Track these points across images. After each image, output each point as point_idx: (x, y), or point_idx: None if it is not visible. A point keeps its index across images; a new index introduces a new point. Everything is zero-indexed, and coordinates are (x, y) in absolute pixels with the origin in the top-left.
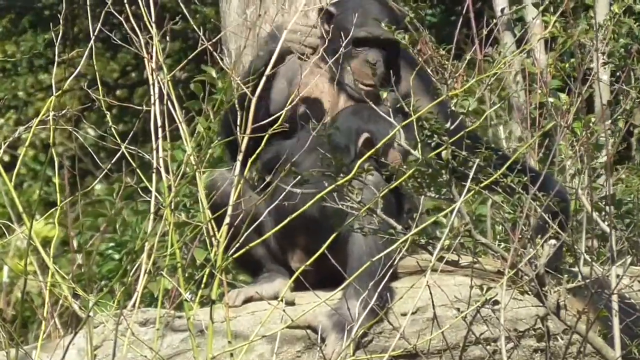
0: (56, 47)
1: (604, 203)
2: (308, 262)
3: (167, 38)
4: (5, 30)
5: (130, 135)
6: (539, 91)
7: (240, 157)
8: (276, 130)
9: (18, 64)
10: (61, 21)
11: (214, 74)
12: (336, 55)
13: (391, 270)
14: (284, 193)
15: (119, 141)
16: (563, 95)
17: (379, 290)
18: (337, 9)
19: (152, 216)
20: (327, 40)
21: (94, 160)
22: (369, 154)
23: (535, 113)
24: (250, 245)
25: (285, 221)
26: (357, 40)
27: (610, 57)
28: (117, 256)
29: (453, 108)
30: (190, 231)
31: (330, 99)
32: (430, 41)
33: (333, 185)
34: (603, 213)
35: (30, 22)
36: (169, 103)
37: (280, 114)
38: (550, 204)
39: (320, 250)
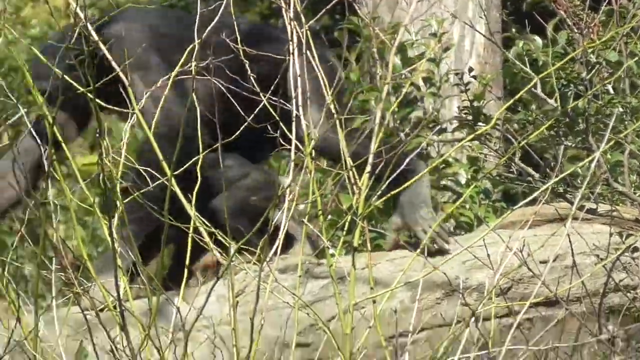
0: None
1: None
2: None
3: None
4: None
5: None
6: None
7: None
8: None
9: None
10: None
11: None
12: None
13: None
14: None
15: (260, 91)
16: None
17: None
18: None
19: (292, 164)
20: None
21: None
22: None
23: None
24: (394, 191)
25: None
26: None
27: None
28: None
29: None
30: (332, 179)
31: None
32: None
33: None
34: None
35: None
36: (307, 52)
37: None
38: None
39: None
